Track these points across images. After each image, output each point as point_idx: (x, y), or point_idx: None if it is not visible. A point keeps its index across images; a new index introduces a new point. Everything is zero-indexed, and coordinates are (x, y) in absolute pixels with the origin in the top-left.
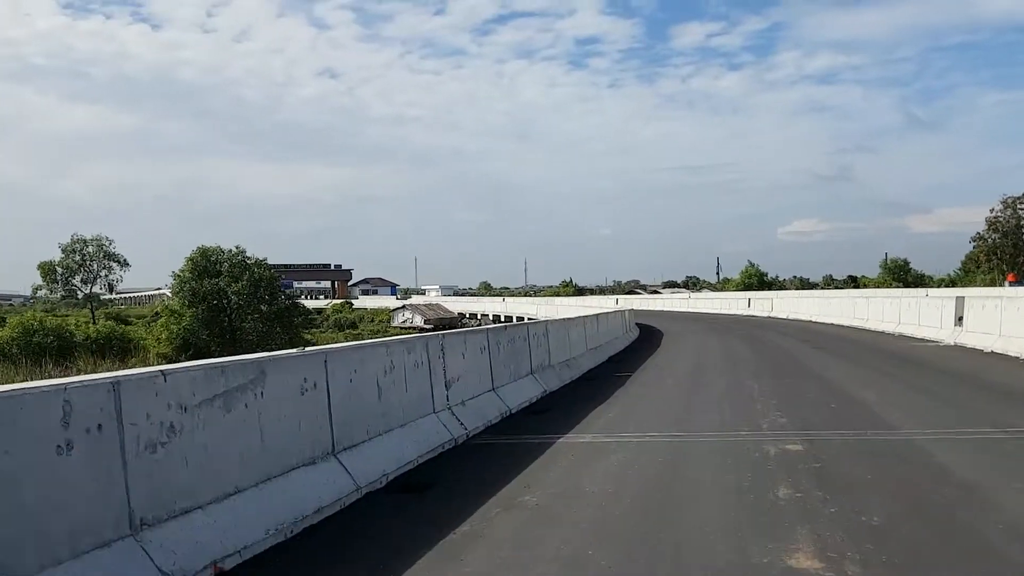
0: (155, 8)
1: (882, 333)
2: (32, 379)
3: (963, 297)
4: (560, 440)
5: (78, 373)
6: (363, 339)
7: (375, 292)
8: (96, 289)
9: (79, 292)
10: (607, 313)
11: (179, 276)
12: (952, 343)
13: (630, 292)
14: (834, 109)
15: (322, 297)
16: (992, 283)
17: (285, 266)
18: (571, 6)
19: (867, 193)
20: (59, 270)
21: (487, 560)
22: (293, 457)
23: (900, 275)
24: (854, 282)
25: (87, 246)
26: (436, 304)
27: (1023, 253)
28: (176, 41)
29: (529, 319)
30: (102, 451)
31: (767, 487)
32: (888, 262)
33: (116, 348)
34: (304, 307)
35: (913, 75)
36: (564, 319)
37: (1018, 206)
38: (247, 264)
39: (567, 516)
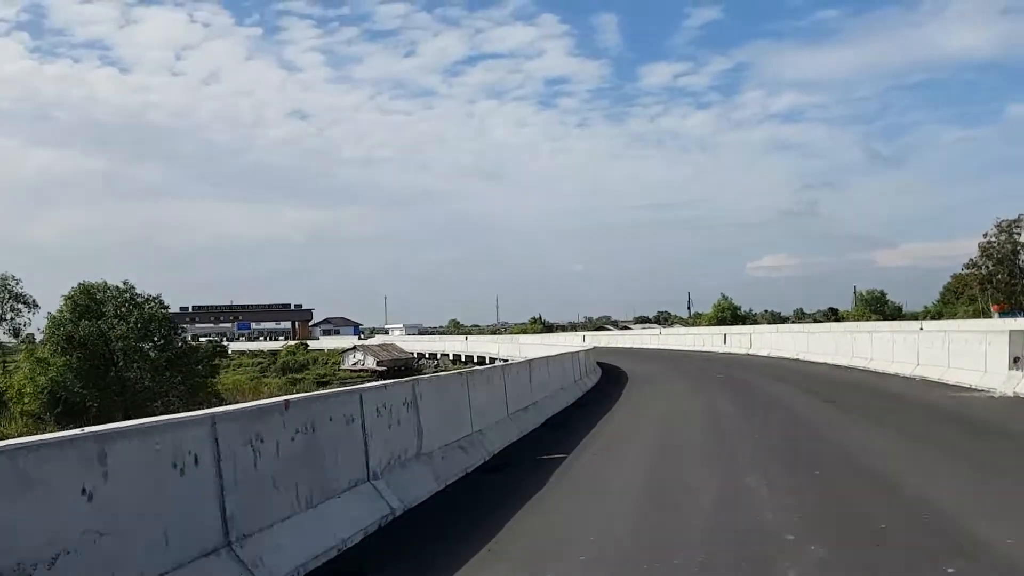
0: (124, 52)
1: (895, 377)
2: None
3: (1022, 331)
4: None
5: None
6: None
7: (337, 332)
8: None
9: None
10: (548, 358)
11: (54, 319)
12: (1011, 393)
13: (599, 328)
14: (799, 147)
15: (282, 338)
16: (976, 314)
17: (243, 307)
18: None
19: (834, 228)
20: None
21: None
22: None
23: (877, 307)
24: (835, 315)
25: None
26: (390, 344)
27: (1020, 281)
28: (144, 84)
29: (491, 359)
30: None
31: None
32: (864, 294)
33: None
34: (208, 350)
35: (876, 112)
36: (462, 373)
37: (1013, 230)
38: (136, 302)
39: None
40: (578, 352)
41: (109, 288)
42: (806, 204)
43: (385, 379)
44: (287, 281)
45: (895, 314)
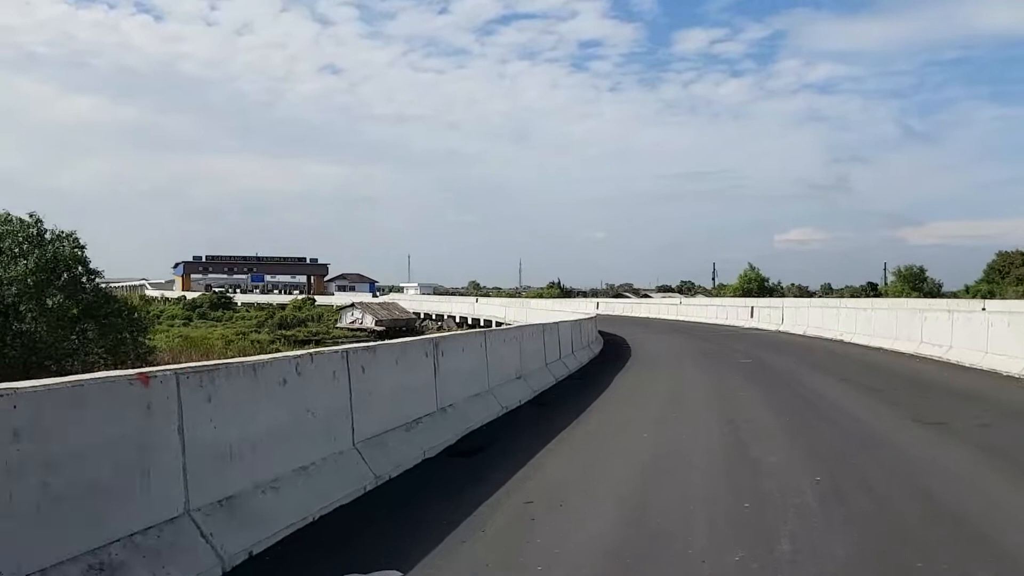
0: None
1: (996, 376)
2: None
3: None
4: None
5: None
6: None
7: (352, 288)
8: None
9: None
10: (522, 328)
11: None
12: None
13: (617, 296)
14: (832, 120)
15: (296, 292)
16: None
17: (258, 259)
18: (573, 9)
19: (863, 204)
20: None
21: None
22: None
23: (917, 284)
24: (874, 290)
25: None
26: (392, 304)
27: None
28: (178, 34)
29: (497, 323)
30: None
31: None
32: (903, 270)
33: None
34: (129, 304)
35: (912, 88)
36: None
37: None
38: (43, 240)
39: None
40: (566, 322)
41: (11, 221)
42: (835, 178)
43: (383, 339)
44: (312, 236)
45: (934, 292)
